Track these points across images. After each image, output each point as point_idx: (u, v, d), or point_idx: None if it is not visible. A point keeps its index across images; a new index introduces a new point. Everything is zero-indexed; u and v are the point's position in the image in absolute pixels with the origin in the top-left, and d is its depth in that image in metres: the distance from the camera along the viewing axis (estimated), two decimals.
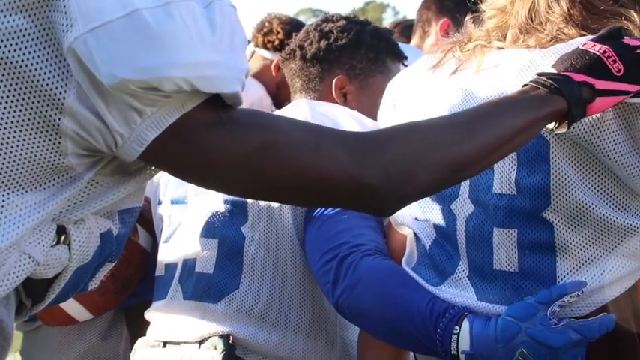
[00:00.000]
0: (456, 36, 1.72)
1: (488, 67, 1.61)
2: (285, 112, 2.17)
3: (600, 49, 1.44)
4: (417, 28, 3.52)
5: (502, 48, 1.63)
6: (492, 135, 1.38)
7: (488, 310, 1.57)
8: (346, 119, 2.08)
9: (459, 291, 1.62)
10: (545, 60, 1.52)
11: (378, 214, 1.40)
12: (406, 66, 2.47)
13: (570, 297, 1.51)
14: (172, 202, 2.20)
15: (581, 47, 1.46)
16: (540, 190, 1.52)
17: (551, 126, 1.45)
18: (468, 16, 1.72)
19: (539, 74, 1.45)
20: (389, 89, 1.82)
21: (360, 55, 2.31)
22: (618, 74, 1.43)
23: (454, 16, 3.26)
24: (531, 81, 1.44)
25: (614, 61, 1.43)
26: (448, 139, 1.36)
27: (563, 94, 1.41)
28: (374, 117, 2.17)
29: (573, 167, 1.51)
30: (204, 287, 2.05)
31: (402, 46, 3.41)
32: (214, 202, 2.07)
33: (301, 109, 2.12)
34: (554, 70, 1.45)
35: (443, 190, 1.58)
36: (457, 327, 1.55)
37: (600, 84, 1.43)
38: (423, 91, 1.70)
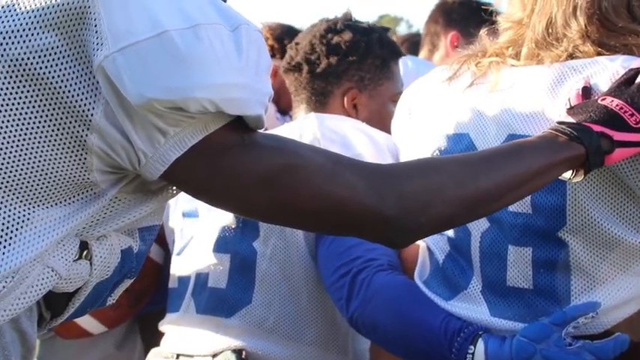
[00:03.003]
0: (471, 48, 1.72)
1: (503, 89, 1.61)
2: (294, 125, 2.17)
3: (617, 105, 1.45)
4: (424, 42, 3.52)
5: (515, 66, 1.62)
6: (510, 175, 1.38)
7: (500, 326, 1.58)
8: (354, 133, 2.08)
9: (471, 306, 1.62)
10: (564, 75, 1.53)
11: (390, 244, 1.38)
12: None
13: (585, 318, 1.51)
14: (184, 215, 2.21)
15: (599, 102, 1.46)
16: (556, 209, 1.53)
17: (567, 175, 1.45)
18: (483, 29, 1.70)
19: (559, 122, 1.46)
20: (404, 98, 1.82)
21: (367, 65, 2.31)
22: (637, 126, 1.44)
23: (462, 28, 3.27)
24: (551, 128, 1.45)
25: (632, 115, 1.44)
26: (465, 176, 1.36)
27: (582, 142, 1.42)
28: (383, 123, 2.17)
29: (590, 187, 1.51)
30: (217, 302, 2.05)
31: (416, 59, 3.43)
32: (226, 216, 2.07)
33: (310, 123, 2.12)
34: (572, 120, 1.46)
35: None
36: (472, 347, 1.55)
37: (619, 136, 1.44)
38: (438, 102, 1.70)
